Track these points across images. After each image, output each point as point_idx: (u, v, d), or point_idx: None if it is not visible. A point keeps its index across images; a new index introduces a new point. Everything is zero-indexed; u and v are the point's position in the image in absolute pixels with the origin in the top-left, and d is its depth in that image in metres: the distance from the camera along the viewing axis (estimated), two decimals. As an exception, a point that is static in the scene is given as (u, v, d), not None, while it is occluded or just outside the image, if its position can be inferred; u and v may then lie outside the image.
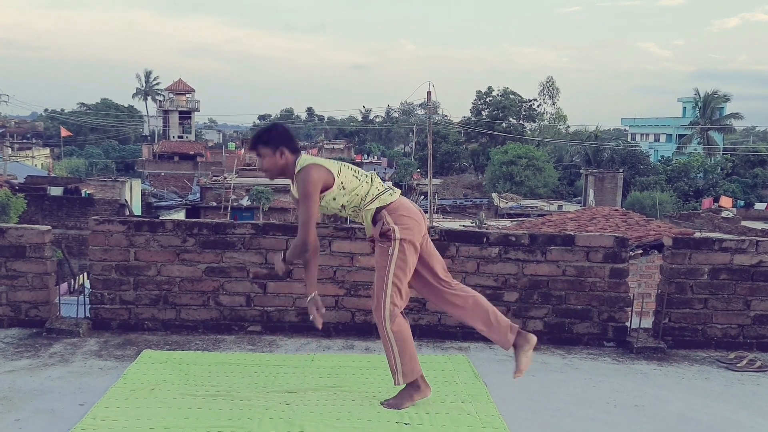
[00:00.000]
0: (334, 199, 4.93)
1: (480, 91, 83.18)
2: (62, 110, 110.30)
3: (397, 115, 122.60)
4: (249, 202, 50.42)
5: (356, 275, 6.74)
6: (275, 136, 4.98)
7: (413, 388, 4.99)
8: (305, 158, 4.94)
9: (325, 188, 4.88)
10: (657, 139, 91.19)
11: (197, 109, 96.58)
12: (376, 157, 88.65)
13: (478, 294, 5.14)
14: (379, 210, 4.91)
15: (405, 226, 4.90)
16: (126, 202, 41.33)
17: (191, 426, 4.54)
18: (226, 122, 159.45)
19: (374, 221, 4.95)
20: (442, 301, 5.16)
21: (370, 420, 4.74)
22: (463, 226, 32.99)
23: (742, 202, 51.09)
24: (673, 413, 5.20)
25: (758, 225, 36.03)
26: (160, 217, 8.00)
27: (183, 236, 6.66)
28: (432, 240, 6.69)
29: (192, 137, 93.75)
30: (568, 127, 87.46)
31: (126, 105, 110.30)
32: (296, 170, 4.91)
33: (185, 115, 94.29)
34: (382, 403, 5.01)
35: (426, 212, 44.11)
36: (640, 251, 16.63)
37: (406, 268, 4.93)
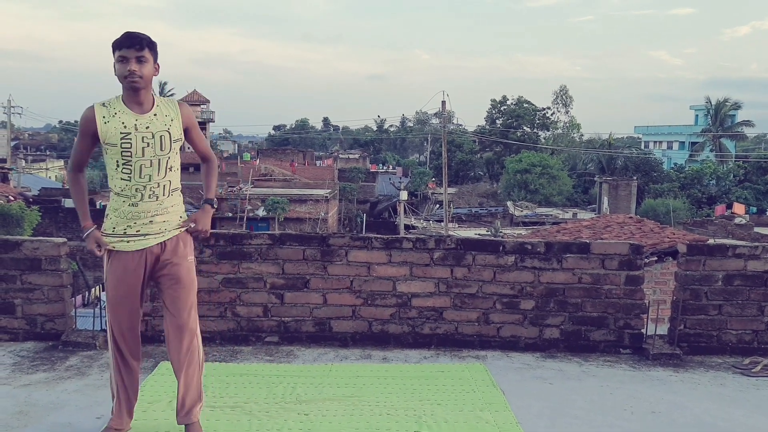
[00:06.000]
0: (176, 153, 4.54)
1: (494, 100, 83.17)
2: (76, 122, 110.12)
3: (411, 125, 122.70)
4: (265, 213, 50.48)
5: (373, 285, 6.75)
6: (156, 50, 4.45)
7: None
8: None
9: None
10: (670, 147, 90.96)
11: (212, 120, 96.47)
12: (391, 167, 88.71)
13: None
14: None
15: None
16: (141, 213, 41.32)
17: (210, 436, 4.56)
18: (241, 133, 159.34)
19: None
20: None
21: (388, 430, 4.76)
22: (479, 234, 32.96)
23: (754, 209, 50.73)
24: (689, 419, 5.21)
25: (771, 231, 35.79)
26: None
27: (200, 247, 6.65)
28: (447, 249, 6.72)
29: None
30: (582, 135, 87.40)
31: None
32: (171, 99, 4.57)
33: (200, 126, 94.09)
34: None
35: (441, 221, 44.13)
36: (655, 258, 16.59)
37: None
